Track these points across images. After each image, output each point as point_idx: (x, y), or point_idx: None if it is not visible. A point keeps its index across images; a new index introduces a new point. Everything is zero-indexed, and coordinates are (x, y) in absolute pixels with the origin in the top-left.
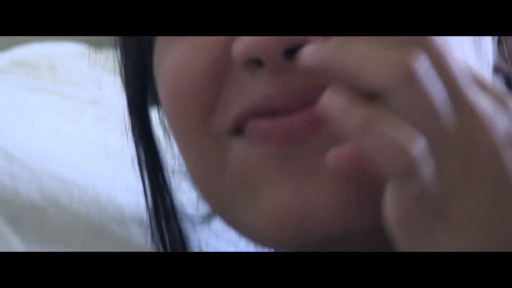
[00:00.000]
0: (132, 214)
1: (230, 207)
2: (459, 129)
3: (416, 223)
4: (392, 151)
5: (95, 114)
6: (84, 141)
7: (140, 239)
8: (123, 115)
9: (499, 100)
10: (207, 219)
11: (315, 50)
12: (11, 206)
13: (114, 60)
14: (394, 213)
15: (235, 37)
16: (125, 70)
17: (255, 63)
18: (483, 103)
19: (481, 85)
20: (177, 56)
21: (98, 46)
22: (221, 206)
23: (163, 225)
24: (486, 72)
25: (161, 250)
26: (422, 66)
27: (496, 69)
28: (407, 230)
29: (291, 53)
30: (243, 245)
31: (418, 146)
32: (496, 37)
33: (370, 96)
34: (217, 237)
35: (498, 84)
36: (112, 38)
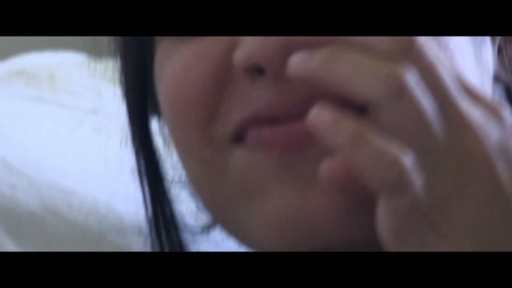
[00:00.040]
0: (131, 223)
1: (231, 215)
2: (450, 140)
3: (408, 234)
4: (381, 164)
5: (94, 124)
6: (83, 150)
7: (140, 249)
8: (122, 124)
9: (491, 110)
10: (206, 229)
11: (304, 59)
12: (10, 215)
13: (114, 70)
14: (386, 225)
15: (236, 44)
16: (125, 79)
17: (257, 70)
18: (475, 113)
19: (473, 95)
20: (178, 64)
21: (97, 56)
22: (222, 214)
23: (163, 235)
24: (486, 81)
25: None
26: (413, 78)
27: (496, 78)
28: (399, 241)
29: None
30: None
31: (407, 159)
32: (496, 46)
33: (360, 109)
34: (216, 247)
35: (497, 93)
36: (111, 47)
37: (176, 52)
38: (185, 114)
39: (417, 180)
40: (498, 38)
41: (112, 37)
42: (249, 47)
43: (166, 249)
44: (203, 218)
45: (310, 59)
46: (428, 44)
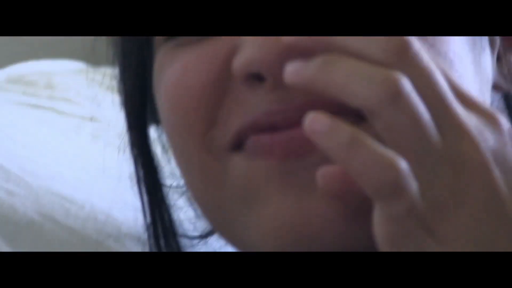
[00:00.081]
0: (129, 230)
1: (230, 222)
2: (447, 145)
3: (404, 239)
4: (377, 169)
5: (92, 131)
6: (81, 158)
7: None
8: (120, 132)
9: (487, 116)
10: (204, 236)
11: (299, 68)
12: (8, 221)
13: (112, 78)
14: (382, 230)
15: (236, 50)
16: (124, 86)
17: (256, 78)
18: (471, 120)
19: (468, 101)
20: (178, 70)
21: (95, 64)
22: (221, 221)
23: (161, 242)
24: (485, 89)
25: None
26: (408, 82)
27: (495, 87)
28: (395, 246)
29: None
30: None
31: (403, 163)
32: (495, 55)
33: (359, 117)
34: None
35: (496, 101)
36: (110, 55)
37: (176, 58)
38: (184, 120)
39: (413, 185)
40: (497, 46)
41: (110, 45)
42: (248, 54)
43: None
44: (201, 225)
45: (305, 67)
46: (423, 50)
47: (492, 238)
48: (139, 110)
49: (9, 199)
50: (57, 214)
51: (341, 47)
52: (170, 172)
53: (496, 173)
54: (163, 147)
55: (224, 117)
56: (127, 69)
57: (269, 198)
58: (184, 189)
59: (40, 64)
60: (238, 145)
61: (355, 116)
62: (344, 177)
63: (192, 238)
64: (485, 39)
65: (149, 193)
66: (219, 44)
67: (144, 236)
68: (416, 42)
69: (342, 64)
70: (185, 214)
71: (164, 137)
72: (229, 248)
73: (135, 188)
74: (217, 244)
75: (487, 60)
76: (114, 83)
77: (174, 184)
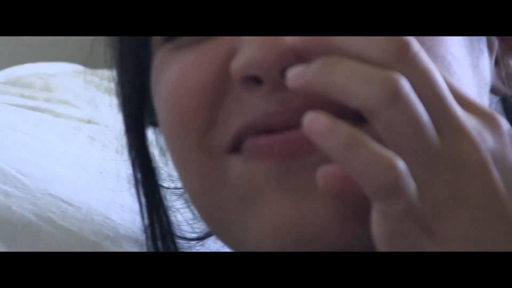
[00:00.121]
0: (126, 232)
1: (228, 224)
2: (446, 145)
3: (402, 239)
4: (375, 168)
5: (90, 133)
6: (79, 160)
7: None
8: (117, 134)
9: (487, 117)
10: (202, 238)
11: (301, 71)
12: (5, 223)
13: (109, 80)
14: (380, 229)
15: (234, 52)
16: (121, 89)
17: (254, 80)
18: (470, 121)
19: (468, 103)
20: (176, 72)
21: (92, 66)
22: (219, 223)
23: (159, 244)
24: (483, 92)
25: None
26: (407, 83)
27: (493, 90)
28: (393, 246)
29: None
30: None
31: (402, 163)
32: (493, 58)
33: (356, 120)
34: None
35: (494, 104)
36: (107, 57)
37: (175, 59)
38: (182, 122)
39: (411, 185)
40: (495, 50)
41: (108, 47)
42: (246, 57)
43: None
44: (199, 227)
45: (306, 69)
46: (423, 51)
47: (491, 238)
48: (137, 112)
49: (7, 201)
50: (55, 215)
51: (341, 48)
52: (168, 174)
53: (496, 173)
54: (161, 149)
55: (223, 118)
56: (125, 71)
57: (267, 199)
58: (181, 191)
59: (37, 66)
60: (236, 147)
61: (354, 118)
62: (344, 177)
63: (190, 240)
64: (483, 42)
65: (147, 195)
66: (218, 45)
67: (142, 237)
68: (415, 43)
69: (342, 65)
70: (183, 216)
71: (162, 139)
72: (227, 250)
73: (133, 190)
74: (215, 246)
75: (485, 63)
76: (112, 86)
77: (172, 186)
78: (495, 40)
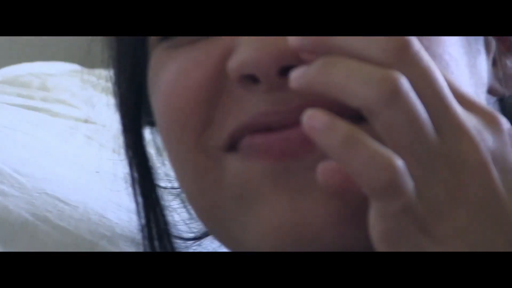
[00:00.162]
0: (123, 231)
1: (225, 224)
2: (446, 144)
3: (400, 238)
4: (373, 167)
5: (87, 133)
6: (76, 159)
7: None
8: (114, 133)
9: (487, 117)
10: (199, 238)
11: (302, 72)
12: (2, 223)
13: (106, 80)
14: (377, 228)
15: (231, 51)
16: (118, 89)
17: (251, 79)
18: (471, 120)
19: (468, 102)
20: (173, 71)
21: (90, 66)
22: (217, 223)
23: (156, 243)
24: (480, 92)
25: None
26: (406, 82)
27: (491, 90)
28: (391, 245)
29: (286, 70)
30: None
31: (400, 162)
32: (491, 58)
33: (354, 120)
34: None
35: (491, 105)
36: (104, 57)
37: (171, 59)
38: (179, 121)
39: (409, 184)
40: (493, 50)
41: (105, 47)
42: (243, 56)
43: None
44: (196, 227)
45: (307, 70)
46: (423, 50)
47: (490, 239)
48: (134, 112)
49: (3, 200)
50: (51, 215)
51: (341, 48)
52: (165, 174)
53: (495, 173)
54: (158, 149)
55: (220, 117)
56: (122, 71)
57: (265, 198)
58: (178, 191)
59: (34, 65)
60: (233, 146)
61: (354, 117)
62: (344, 173)
63: (187, 240)
64: (480, 43)
65: (144, 194)
66: (215, 44)
67: (138, 237)
68: (416, 42)
69: (341, 65)
70: (180, 216)
71: (159, 139)
72: (224, 250)
73: (130, 189)
74: (212, 246)
75: (482, 64)
76: (109, 85)
77: (169, 186)
78: (492, 40)
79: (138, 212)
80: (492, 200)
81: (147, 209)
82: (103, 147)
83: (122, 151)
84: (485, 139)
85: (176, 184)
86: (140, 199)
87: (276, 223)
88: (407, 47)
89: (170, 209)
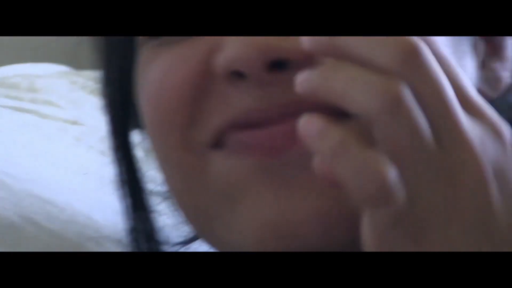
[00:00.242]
0: (110, 233)
1: (211, 222)
2: (445, 157)
3: (389, 247)
4: (363, 176)
5: (75, 134)
6: (63, 161)
7: None
8: (102, 135)
9: (492, 126)
10: (187, 241)
11: (306, 77)
12: None
13: (95, 81)
14: (369, 236)
15: (218, 48)
16: (106, 91)
17: (237, 75)
18: (474, 129)
19: (475, 109)
20: (159, 68)
21: (78, 67)
22: (203, 223)
23: (142, 246)
24: None
25: None
26: (408, 93)
27: (478, 93)
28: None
29: (273, 66)
30: None
31: (391, 171)
32: (480, 61)
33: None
34: None
35: None
36: (92, 59)
37: (158, 57)
38: (164, 118)
39: (400, 193)
40: (481, 53)
41: (93, 48)
42: (230, 52)
43: None
44: (184, 230)
45: (310, 75)
46: (431, 55)
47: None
48: (122, 114)
49: None
50: (38, 216)
51: (347, 49)
52: (152, 177)
53: (494, 186)
54: (146, 151)
55: (205, 114)
56: (110, 73)
57: (250, 195)
58: (166, 194)
59: (23, 67)
60: (218, 142)
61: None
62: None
63: (175, 244)
64: (467, 44)
65: (131, 196)
66: (201, 42)
67: (125, 239)
68: (424, 47)
69: (344, 70)
70: (167, 220)
71: (147, 142)
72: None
73: (117, 191)
74: (200, 249)
75: (468, 65)
76: (97, 87)
77: (157, 189)
78: (480, 43)
79: (125, 215)
80: (486, 215)
81: (134, 210)
82: (91, 148)
83: (110, 153)
84: (487, 149)
85: (163, 188)
86: (127, 201)
87: (261, 219)
88: (416, 54)
89: (158, 212)
